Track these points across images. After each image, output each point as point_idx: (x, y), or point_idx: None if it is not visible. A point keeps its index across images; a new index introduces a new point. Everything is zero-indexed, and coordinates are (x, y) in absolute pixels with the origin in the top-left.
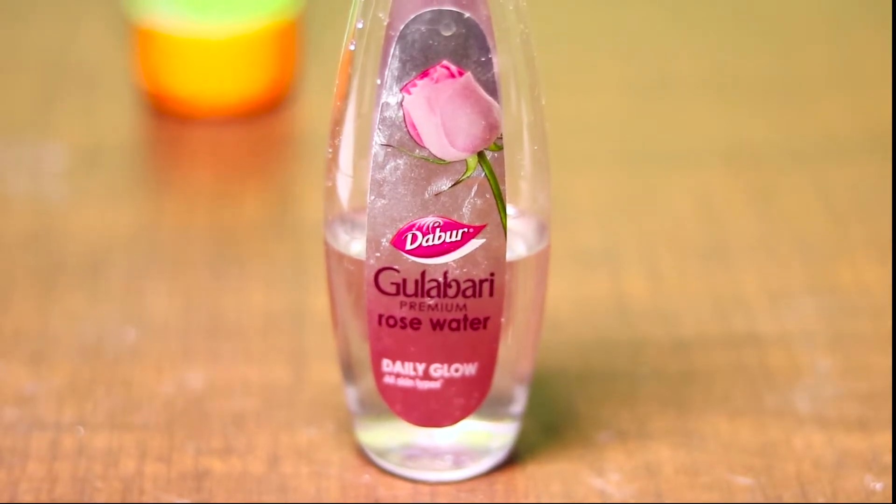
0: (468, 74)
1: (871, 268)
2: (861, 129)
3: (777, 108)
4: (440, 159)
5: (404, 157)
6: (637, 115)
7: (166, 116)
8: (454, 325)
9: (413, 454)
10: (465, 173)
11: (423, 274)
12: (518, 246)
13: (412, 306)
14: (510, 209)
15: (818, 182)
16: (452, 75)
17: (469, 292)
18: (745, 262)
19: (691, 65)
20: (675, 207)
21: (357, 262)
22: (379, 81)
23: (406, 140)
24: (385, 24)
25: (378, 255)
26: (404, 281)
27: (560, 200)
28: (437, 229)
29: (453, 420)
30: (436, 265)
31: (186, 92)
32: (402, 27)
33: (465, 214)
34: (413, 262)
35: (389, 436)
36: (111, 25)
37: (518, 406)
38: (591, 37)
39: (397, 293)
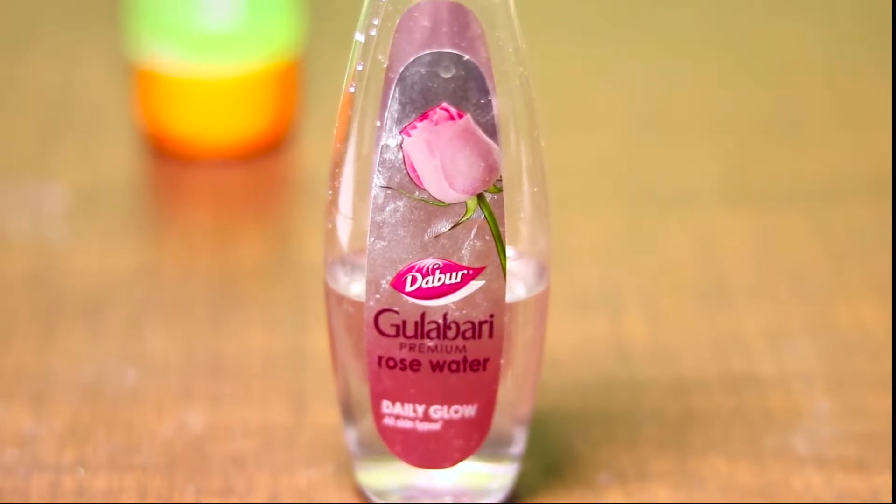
0: (468, 117)
1: (871, 308)
2: (860, 170)
3: (776, 149)
4: (440, 201)
5: (404, 199)
6: (636, 156)
7: (166, 157)
8: (454, 366)
9: (412, 495)
10: (464, 215)
11: (422, 316)
12: (517, 288)
13: (412, 348)
14: (510, 251)
15: (817, 222)
16: (452, 117)
17: (469, 334)
18: (745, 303)
19: (690, 105)
20: (674, 248)
21: (357, 304)
22: (379, 123)
23: (406, 182)
24: (385, 66)
25: (378, 296)
26: (404, 322)
27: (559, 241)
28: (437, 271)
29: (453, 461)
30: (435, 307)
31: (187, 133)
32: (401, 69)
33: (465, 256)
34: (413, 303)
35: (389, 477)
36: (111, 66)
37: (517, 447)
38: (590, 77)
39: (397, 335)
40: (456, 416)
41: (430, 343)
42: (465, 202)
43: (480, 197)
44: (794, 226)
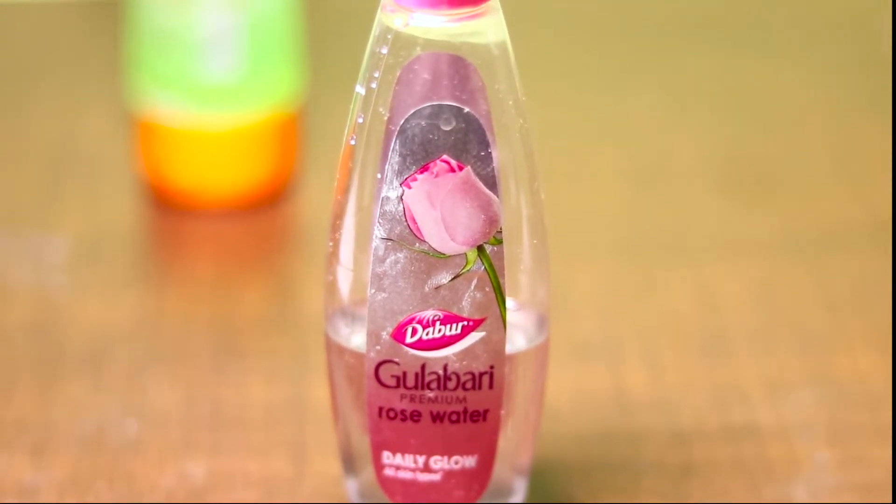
0: (468, 169)
1: (871, 359)
2: (860, 221)
3: (776, 200)
4: (440, 253)
5: (404, 250)
6: (635, 207)
7: (168, 208)
8: (454, 417)
9: None
10: (464, 267)
11: (423, 367)
12: (518, 339)
13: (412, 399)
14: (510, 302)
15: (817, 273)
16: (452, 170)
17: (469, 385)
18: (745, 354)
19: (690, 157)
20: (674, 299)
21: (357, 355)
22: (379, 176)
23: (406, 234)
24: (385, 118)
25: (378, 348)
26: (404, 374)
27: (559, 291)
28: (437, 322)
29: None
30: (436, 358)
31: (188, 184)
32: (402, 122)
33: (465, 308)
34: (413, 355)
35: None
36: (113, 117)
37: (517, 497)
38: (590, 129)
39: (397, 386)
40: (456, 467)
41: (431, 394)
42: (466, 254)
43: (480, 249)
44: (794, 276)
